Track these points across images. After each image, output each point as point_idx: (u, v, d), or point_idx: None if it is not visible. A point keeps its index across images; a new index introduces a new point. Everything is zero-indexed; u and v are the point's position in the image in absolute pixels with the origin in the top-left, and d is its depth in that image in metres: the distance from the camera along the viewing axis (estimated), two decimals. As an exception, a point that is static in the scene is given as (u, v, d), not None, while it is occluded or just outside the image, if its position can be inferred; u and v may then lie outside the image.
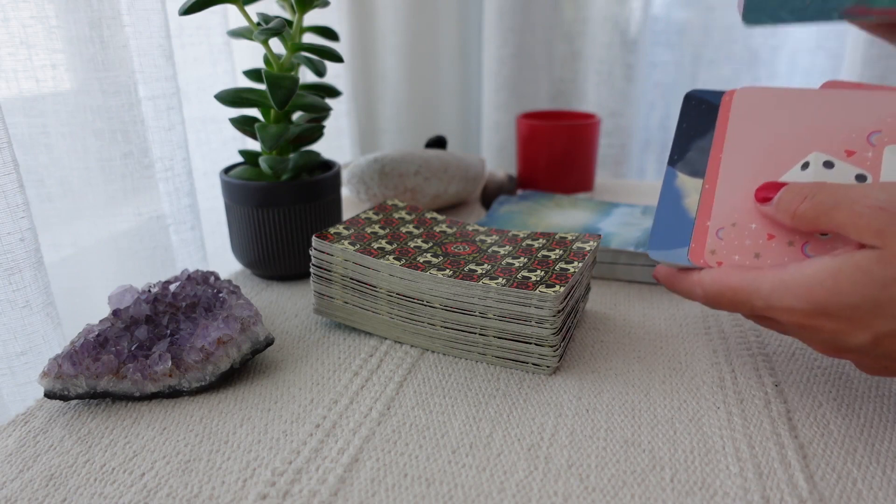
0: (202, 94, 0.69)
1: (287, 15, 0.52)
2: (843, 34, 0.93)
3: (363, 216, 0.49)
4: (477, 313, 0.40)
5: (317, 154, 0.54)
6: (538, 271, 0.41)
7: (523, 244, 0.46)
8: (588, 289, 0.47)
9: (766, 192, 0.34)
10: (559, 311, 0.38)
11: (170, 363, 0.37)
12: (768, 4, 0.36)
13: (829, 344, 0.31)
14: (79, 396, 0.36)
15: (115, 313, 0.39)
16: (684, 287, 0.37)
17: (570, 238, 0.46)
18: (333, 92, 0.55)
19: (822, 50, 0.96)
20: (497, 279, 0.40)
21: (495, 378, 0.39)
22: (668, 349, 0.43)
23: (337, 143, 0.96)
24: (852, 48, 0.89)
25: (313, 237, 0.44)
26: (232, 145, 0.73)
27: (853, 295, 0.28)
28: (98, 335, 0.37)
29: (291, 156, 0.53)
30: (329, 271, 0.44)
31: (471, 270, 0.41)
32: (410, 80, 1.02)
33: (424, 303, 0.41)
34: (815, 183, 0.32)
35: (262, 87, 0.50)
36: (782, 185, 0.34)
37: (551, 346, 0.39)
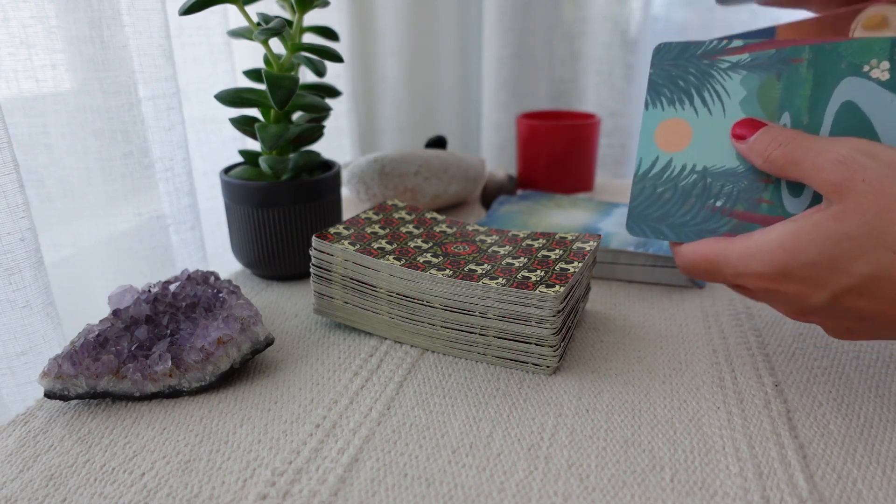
0: (202, 94, 0.69)
1: (287, 15, 0.52)
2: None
3: (363, 216, 0.49)
4: (477, 313, 0.40)
5: (317, 154, 0.54)
6: (538, 271, 0.41)
7: (523, 244, 0.46)
8: (588, 289, 0.47)
9: (743, 130, 0.35)
10: (559, 311, 0.38)
11: (170, 363, 0.37)
12: (649, 216, 0.37)
13: (794, 307, 0.32)
14: (79, 396, 0.36)
15: (115, 313, 0.39)
16: (673, 253, 0.38)
17: (570, 238, 0.46)
18: (333, 92, 0.55)
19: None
20: (497, 279, 0.40)
21: (495, 378, 0.39)
22: (668, 349, 0.43)
23: (337, 143, 0.96)
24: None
25: (313, 237, 0.44)
26: (232, 145, 0.73)
27: (811, 253, 0.30)
28: (98, 335, 0.37)
29: (291, 156, 0.53)
30: (329, 271, 0.44)
31: (471, 270, 0.41)
32: (410, 80, 1.02)
33: (424, 303, 0.41)
34: (791, 130, 0.33)
35: (262, 87, 0.50)
36: (761, 125, 0.34)
37: (551, 346, 0.39)
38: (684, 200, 0.37)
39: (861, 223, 0.28)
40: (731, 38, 0.37)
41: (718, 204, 0.36)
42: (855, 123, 0.33)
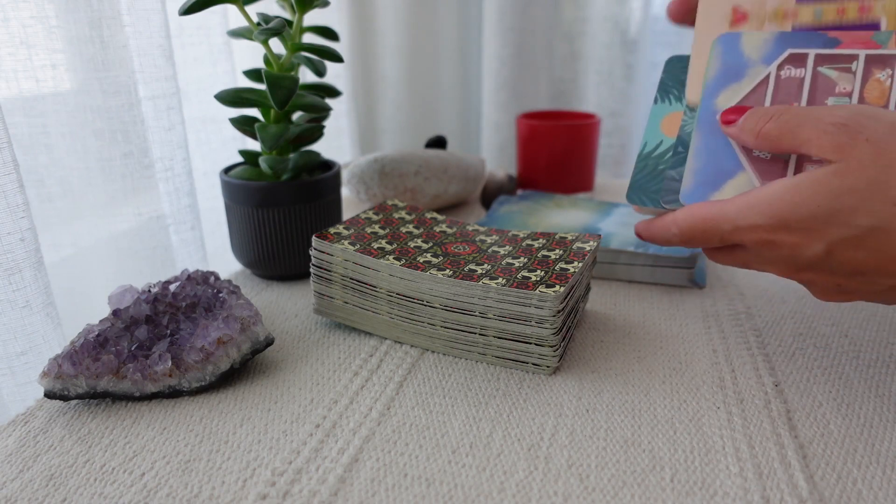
0: (202, 94, 0.69)
1: (287, 15, 0.52)
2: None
3: (363, 216, 0.49)
4: (477, 313, 0.40)
5: (317, 154, 0.54)
6: (538, 271, 0.41)
7: (523, 244, 0.46)
8: (588, 289, 0.47)
9: (731, 115, 0.36)
10: (559, 311, 0.38)
11: (170, 363, 0.37)
12: (649, 189, 0.41)
13: (788, 261, 0.32)
14: (79, 396, 0.36)
15: (115, 313, 0.39)
16: (660, 230, 0.38)
17: (570, 238, 0.46)
18: (333, 92, 0.55)
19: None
20: (497, 279, 0.40)
21: (495, 378, 0.39)
22: (668, 349, 0.43)
23: (337, 143, 0.96)
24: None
25: (313, 237, 0.44)
26: (232, 145, 0.73)
27: (811, 205, 0.30)
28: (98, 335, 0.37)
29: (291, 156, 0.53)
30: (329, 271, 0.44)
31: (471, 270, 0.41)
32: (410, 80, 1.02)
33: (424, 303, 0.41)
34: (779, 105, 0.34)
35: (262, 87, 0.50)
36: (747, 108, 0.35)
37: (551, 346, 0.39)
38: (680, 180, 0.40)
39: (863, 177, 0.29)
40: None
41: None
42: None
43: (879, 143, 0.29)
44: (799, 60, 0.37)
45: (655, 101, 0.43)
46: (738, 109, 0.36)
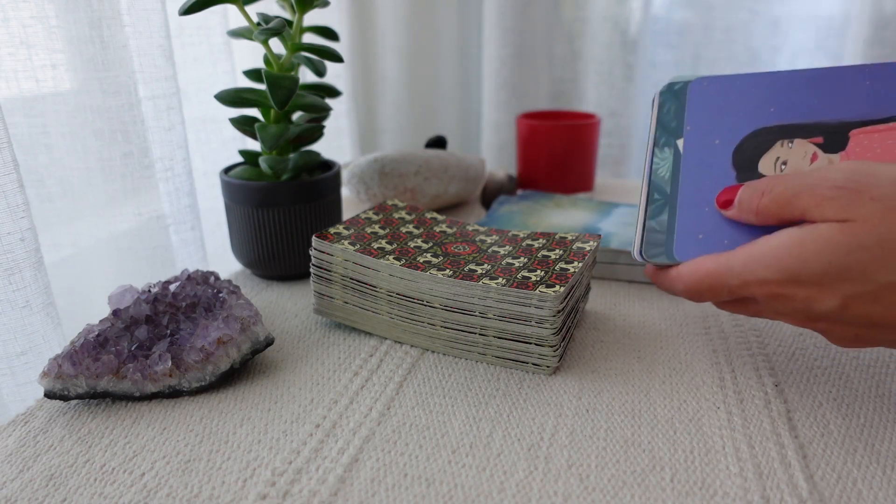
0: (202, 94, 0.69)
1: (287, 15, 0.52)
2: (843, 34, 0.93)
3: (363, 216, 0.49)
4: (477, 313, 0.40)
5: (317, 154, 0.54)
6: (538, 271, 0.41)
7: (523, 244, 0.46)
8: (588, 289, 0.47)
9: (727, 196, 0.35)
10: (559, 311, 0.38)
11: (170, 363, 0.37)
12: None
13: (801, 313, 0.32)
14: (79, 396, 0.36)
15: (115, 313, 0.39)
16: (666, 283, 0.37)
17: (570, 238, 0.46)
18: (333, 92, 0.55)
19: (822, 50, 0.96)
20: (497, 279, 0.40)
21: (495, 378, 0.39)
22: (668, 349, 0.43)
23: (337, 143, 0.96)
24: (852, 48, 0.89)
25: (313, 237, 0.44)
26: (232, 145, 0.73)
27: (820, 261, 0.29)
28: (98, 335, 0.37)
29: (291, 156, 0.53)
30: (329, 271, 0.44)
31: (471, 270, 0.41)
32: (410, 80, 1.02)
33: (424, 303, 0.41)
34: (771, 177, 0.33)
35: (262, 87, 0.50)
36: (739, 186, 0.35)
37: (551, 346, 0.39)
38: None
39: (874, 235, 0.28)
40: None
41: None
42: None
43: (885, 199, 0.28)
44: None
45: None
46: (731, 189, 0.35)
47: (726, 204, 0.35)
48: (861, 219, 0.28)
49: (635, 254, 0.39)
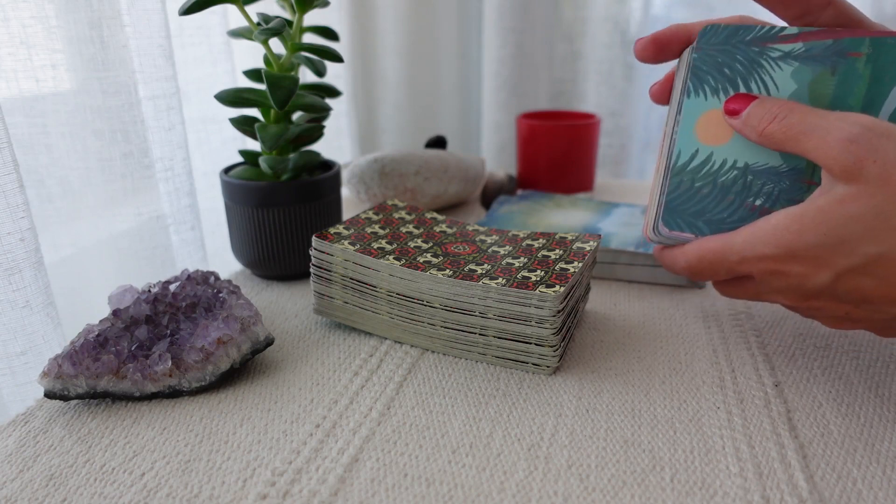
0: (202, 94, 0.69)
1: (287, 15, 0.52)
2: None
3: (363, 216, 0.49)
4: (477, 313, 0.40)
5: (317, 154, 0.54)
6: (538, 271, 0.41)
7: (523, 244, 0.46)
8: (588, 289, 0.47)
9: (736, 105, 0.34)
10: (559, 311, 0.38)
11: (170, 363, 0.37)
12: (686, 211, 0.36)
13: (796, 290, 0.32)
14: (79, 396, 0.36)
15: (115, 313, 0.39)
16: (669, 261, 0.38)
17: (570, 238, 0.46)
18: (333, 92, 0.55)
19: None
20: (497, 279, 0.40)
21: (495, 378, 0.39)
22: (668, 349, 0.43)
23: (337, 143, 0.96)
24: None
25: (313, 237, 0.44)
26: (232, 145, 0.73)
27: (817, 233, 0.30)
28: (98, 335, 0.37)
29: (291, 156, 0.53)
30: (329, 271, 0.44)
31: (471, 270, 0.41)
32: (410, 80, 1.02)
33: (424, 303, 0.41)
34: (787, 102, 0.32)
35: (262, 87, 0.50)
36: (753, 97, 0.33)
37: (551, 346, 0.39)
38: (723, 197, 0.36)
39: (870, 206, 0.28)
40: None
41: (758, 203, 0.35)
42: None
43: (887, 165, 0.28)
44: None
45: (688, 94, 0.35)
46: (744, 98, 0.34)
47: (733, 112, 0.34)
48: (860, 187, 0.28)
49: (649, 231, 0.38)
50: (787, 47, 0.34)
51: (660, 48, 0.37)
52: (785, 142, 0.31)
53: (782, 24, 0.35)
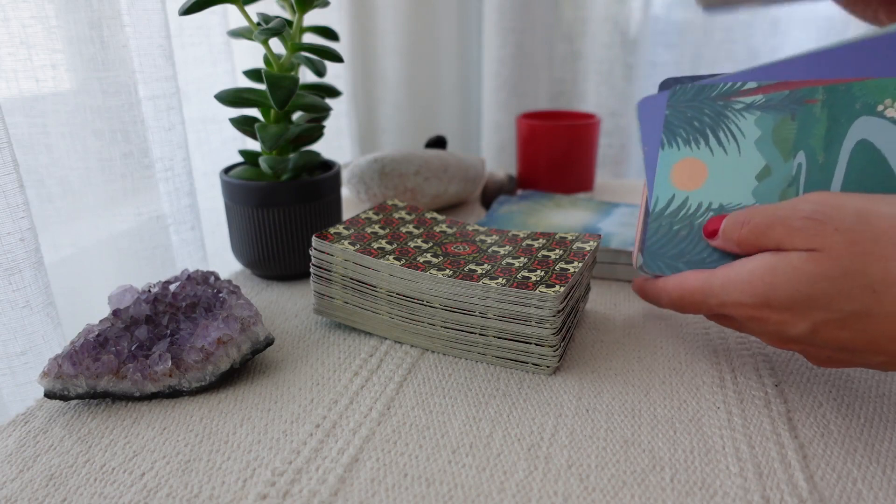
0: (202, 94, 0.69)
1: (287, 15, 0.52)
2: (843, 34, 0.93)
3: (363, 216, 0.49)
4: (477, 313, 0.40)
5: (317, 154, 0.54)
6: (538, 271, 0.41)
7: (523, 244, 0.46)
8: (588, 289, 0.47)
9: (713, 226, 0.37)
10: (559, 311, 0.38)
11: (170, 363, 0.37)
12: (666, 254, 0.38)
13: (776, 335, 0.33)
14: (79, 396, 0.36)
15: (115, 313, 0.39)
16: (652, 295, 0.40)
17: (570, 238, 0.46)
18: (333, 92, 0.55)
19: (822, 50, 0.96)
20: (497, 279, 0.40)
21: (495, 378, 0.39)
22: (668, 349, 0.43)
23: (337, 143, 0.96)
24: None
25: (313, 237, 0.44)
26: (232, 145, 0.73)
27: (788, 289, 0.31)
28: (98, 335, 0.37)
29: (291, 156, 0.53)
30: (329, 271, 0.44)
31: (471, 270, 0.41)
32: (410, 80, 1.02)
33: (424, 303, 0.41)
34: (750, 209, 0.34)
35: (262, 87, 0.50)
36: (723, 217, 0.36)
37: (551, 346, 0.39)
38: (700, 238, 0.38)
39: (838, 266, 0.29)
40: (744, 74, 0.36)
41: None
42: (871, 161, 0.33)
43: (848, 231, 0.29)
44: None
45: (662, 146, 0.38)
46: (716, 220, 0.36)
47: (712, 234, 0.36)
48: (826, 249, 0.30)
49: (635, 264, 0.40)
50: (748, 100, 0.36)
51: None
52: (757, 241, 0.33)
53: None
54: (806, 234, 0.30)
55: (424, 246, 0.45)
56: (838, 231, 0.30)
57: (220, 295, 0.41)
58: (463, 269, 0.41)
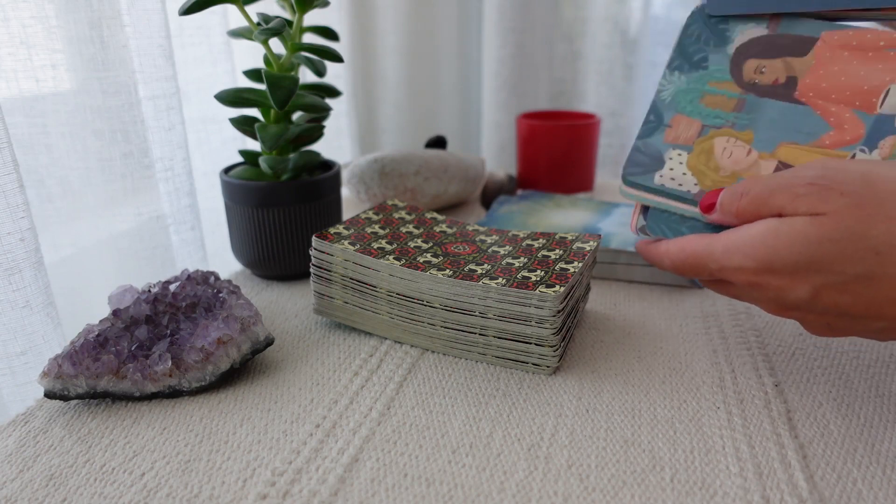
0: (202, 94, 0.69)
1: (287, 15, 0.52)
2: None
3: (363, 216, 0.49)
4: (477, 313, 0.40)
5: (317, 154, 0.54)
6: (538, 271, 0.41)
7: (523, 244, 0.46)
8: (588, 289, 0.47)
9: (709, 200, 0.36)
10: (559, 311, 0.38)
11: (170, 363, 0.37)
12: (669, 217, 0.39)
13: (775, 301, 0.33)
14: (79, 396, 0.36)
15: (115, 313, 0.39)
16: (654, 257, 0.39)
17: (570, 238, 0.46)
18: (333, 92, 0.55)
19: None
20: (497, 279, 0.40)
21: (495, 378, 0.39)
22: (668, 349, 0.43)
23: (337, 143, 0.96)
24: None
25: (313, 237, 0.44)
26: (232, 145, 0.73)
27: (791, 253, 0.30)
28: (98, 335, 0.37)
29: (291, 156, 0.53)
30: (329, 271, 0.44)
31: (471, 270, 0.41)
32: (410, 80, 1.02)
33: (424, 303, 0.41)
34: (747, 179, 0.34)
35: (262, 87, 0.50)
36: (719, 190, 0.36)
37: (551, 346, 0.39)
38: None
39: (843, 228, 0.29)
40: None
41: None
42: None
43: (854, 195, 0.29)
44: None
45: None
46: (712, 194, 0.36)
47: (709, 208, 0.36)
48: (831, 212, 0.29)
49: (635, 228, 0.40)
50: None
51: None
52: (758, 210, 0.33)
53: None
54: (810, 199, 0.30)
55: (424, 246, 0.45)
56: (844, 195, 0.29)
57: (220, 295, 0.41)
58: (463, 269, 0.41)
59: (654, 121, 0.38)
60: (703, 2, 0.38)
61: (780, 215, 0.32)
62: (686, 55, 0.39)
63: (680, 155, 0.38)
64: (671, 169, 0.38)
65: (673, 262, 0.37)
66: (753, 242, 0.32)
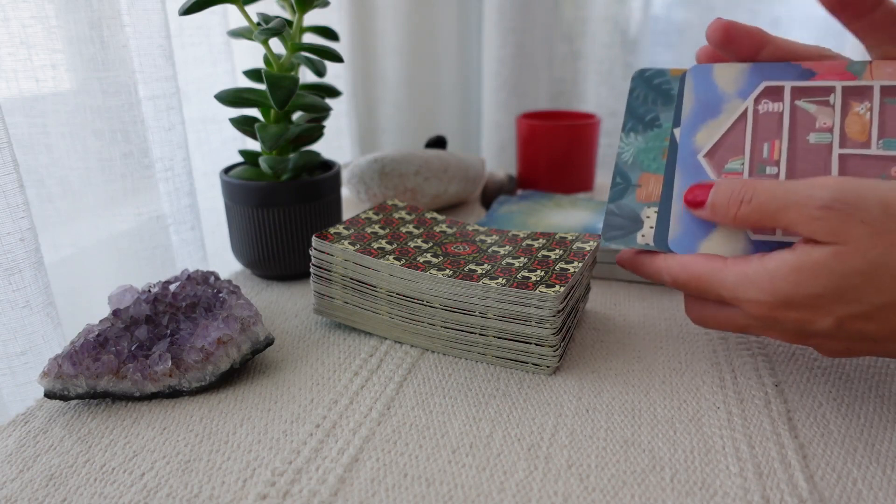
0: (202, 94, 0.69)
1: (287, 15, 0.52)
2: (843, 33, 0.93)
3: (363, 216, 0.49)
4: (477, 313, 0.40)
5: (317, 154, 0.54)
6: (538, 271, 0.41)
7: (523, 244, 0.46)
8: (588, 289, 0.47)
9: (694, 195, 0.35)
10: (559, 311, 0.38)
11: (170, 363, 0.37)
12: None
13: (793, 333, 0.32)
14: (79, 396, 0.36)
15: (115, 313, 0.39)
16: (650, 271, 0.38)
17: (570, 238, 0.46)
18: (333, 92, 0.55)
19: (822, 50, 0.96)
20: (497, 279, 0.40)
21: (495, 378, 0.39)
22: (668, 349, 0.43)
23: (337, 143, 0.96)
24: (852, 48, 0.89)
25: (313, 237, 0.44)
26: (232, 145, 0.73)
27: (815, 286, 0.30)
28: (98, 335, 0.37)
29: (291, 156, 0.53)
30: (329, 271, 0.44)
31: (471, 270, 0.41)
32: (410, 80, 1.02)
33: (424, 303, 0.41)
34: (746, 182, 0.32)
35: (262, 87, 0.50)
36: (709, 185, 0.34)
37: (551, 346, 0.39)
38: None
39: (866, 260, 0.28)
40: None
41: None
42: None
43: (875, 223, 0.28)
44: (776, 94, 0.35)
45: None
46: (702, 188, 0.34)
47: (696, 203, 0.35)
48: (852, 242, 0.29)
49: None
50: None
51: (728, 39, 0.36)
52: (761, 221, 0.32)
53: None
54: (828, 224, 0.29)
55: (424, 246, 0.45)
56: (864, 223, 0.28)
57: (220, 295, 0.41)
58: (463, 269, 0.41)
59: (622, 182, 0.39)
60: (640, 68, 0.40)
61: (786, 231, 0.31)
62: (637, 117, 0.40)
63: (656, 212, 0.38)
64: (651, 227, 0.38)
65: (675, 280, 0.36)
66: (772, 277, 0.31)
